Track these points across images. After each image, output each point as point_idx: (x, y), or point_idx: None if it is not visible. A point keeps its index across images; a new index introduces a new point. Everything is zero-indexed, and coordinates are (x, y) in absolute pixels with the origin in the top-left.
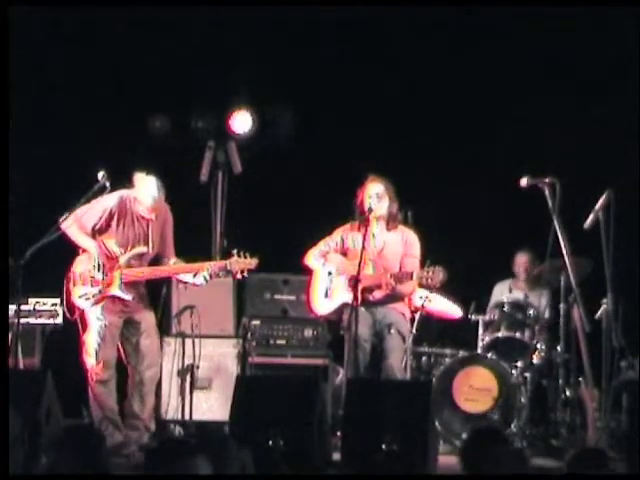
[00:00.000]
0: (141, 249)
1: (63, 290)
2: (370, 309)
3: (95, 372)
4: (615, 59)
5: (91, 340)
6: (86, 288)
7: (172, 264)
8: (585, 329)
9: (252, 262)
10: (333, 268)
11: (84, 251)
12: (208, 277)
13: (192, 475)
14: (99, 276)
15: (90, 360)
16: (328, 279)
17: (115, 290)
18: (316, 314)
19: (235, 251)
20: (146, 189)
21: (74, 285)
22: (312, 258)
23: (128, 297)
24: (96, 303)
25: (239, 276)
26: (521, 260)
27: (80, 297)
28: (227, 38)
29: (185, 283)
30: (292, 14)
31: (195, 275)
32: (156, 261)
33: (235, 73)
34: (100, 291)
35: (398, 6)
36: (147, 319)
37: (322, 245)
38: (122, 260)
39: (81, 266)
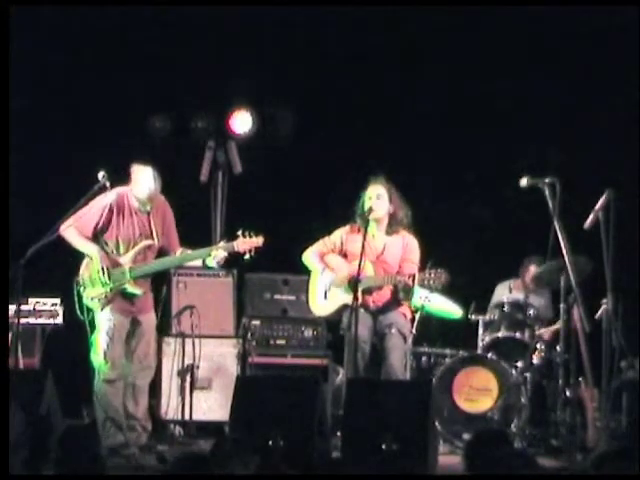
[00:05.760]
0: (146, 242)
1: (74, 294)
2: (370, 310)
3: (103, 372)
4: (615, 58)
5: (100, 340)
6: (97, 289)
7: (179, 254)
8: (585, 329)
9: (258, 240)
10: (332, 270)
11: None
12: (219, 260)
13: (192, 475)
14: (106, 278)
15: (98, 359)
16: (327, 280)
17: (126, 286)
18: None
19: (240, 231)
20: (142, 180)
21: (84, 288)
22: (310, 256)
23: (139, 292)
24: (108, 303)
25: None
26: (533, 271)
27: (92, 299)
28: (227, 38)
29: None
30: (292, 14)
31: (204, 261)
32: (162, 255)
33: (235, 73)
34: (111, 289)
35: (397, 5)
36: (150, 321)
37: (320, 245)
38: (127, 259)
39: (88, 269)
